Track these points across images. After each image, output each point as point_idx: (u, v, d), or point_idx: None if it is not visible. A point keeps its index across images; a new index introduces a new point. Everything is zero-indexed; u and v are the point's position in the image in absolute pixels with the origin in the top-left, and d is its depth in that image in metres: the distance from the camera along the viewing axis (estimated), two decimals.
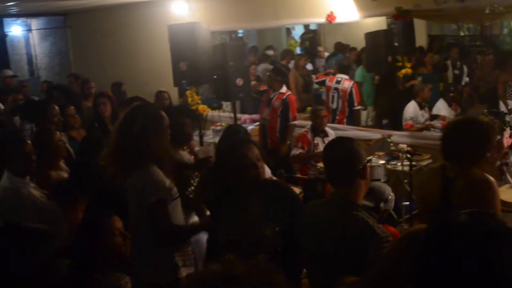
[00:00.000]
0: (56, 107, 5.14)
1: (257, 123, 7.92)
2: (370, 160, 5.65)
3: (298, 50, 12.94)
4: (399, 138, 6.81)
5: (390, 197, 6.25)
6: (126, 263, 2.64)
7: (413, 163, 5.99)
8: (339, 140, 2.84)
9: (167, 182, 3.14)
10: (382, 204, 6.07)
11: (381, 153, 6.67)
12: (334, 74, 8.31)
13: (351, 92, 7.87)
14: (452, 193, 2.88)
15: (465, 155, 2.91)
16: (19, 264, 2.10)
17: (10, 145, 3.74)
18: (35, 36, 13.18)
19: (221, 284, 1.38)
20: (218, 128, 7.73)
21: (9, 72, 10.00)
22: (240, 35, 12.47)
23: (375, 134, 7.10)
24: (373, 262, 2.22)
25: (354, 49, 10.01)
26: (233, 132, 4.48)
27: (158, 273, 3.13)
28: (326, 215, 2.62)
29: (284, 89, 7.31)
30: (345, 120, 7.93)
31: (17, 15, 12.27)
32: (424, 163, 6.33)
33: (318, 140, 6.52)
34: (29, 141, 3.83)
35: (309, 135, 6.53)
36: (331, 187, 2.79)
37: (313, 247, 2.64)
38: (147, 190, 3.05)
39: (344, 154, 2.60)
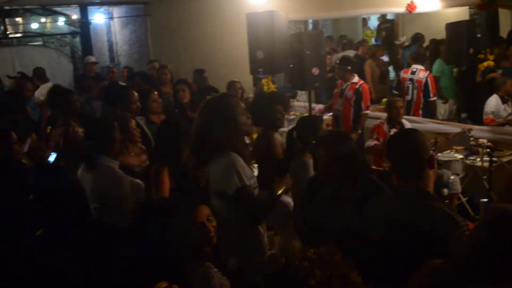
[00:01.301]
0: (135, 94, 5.30)
1: (330, 114, 7.89)
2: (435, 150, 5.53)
3: (373, 41, 12.76)
4: (479, 133, 6.57)
5: (450, 180, 6.08)
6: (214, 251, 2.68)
7: (494, 159, 5.80)
8: (403, 132, 2.82)
9: (249, 170, 3.22)
10: (445, 190, 5.95)
11: (459, 148, 6.49)
12: (409, 66, 8.16)
13: (426, 82, 7.66)
14: None
15: None
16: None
17: (109, 128, 3.97)
18: (116, 24, 13.63)
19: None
20: (292, 117, 7.74)
21: (92, 59, 10.38)
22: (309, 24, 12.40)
23: (454, 128, 6.90)
24: (455, 249, 2.19)
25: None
26: (312, 123, 4.47)
27: (245, 258, 3.18)
28: (400, 207, 2.59)
29: (356, 78, 7.25)
30: (420, 112, 7.75)
31: (100, 4, 12.75)
32: (506, 159, 6.11)
33: (394, 132, 6.41)
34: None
35: (385, 127, 6.43)
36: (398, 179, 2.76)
37: (386, 239, 2.60)
38: (232, 177, 3.12)
39: (411, 145, 2.58)
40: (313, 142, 3.90)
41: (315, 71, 6.38)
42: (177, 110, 6.07)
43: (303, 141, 4.26)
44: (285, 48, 6.52)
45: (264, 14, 6.53)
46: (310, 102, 7.06)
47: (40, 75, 8.88)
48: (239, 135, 3.27)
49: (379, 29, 12.52)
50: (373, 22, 13.29)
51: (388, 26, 12.05)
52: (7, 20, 13.75)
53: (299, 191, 3.78)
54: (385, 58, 10.48)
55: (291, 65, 6.57)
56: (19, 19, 16.00)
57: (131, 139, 4.51)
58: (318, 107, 8.38)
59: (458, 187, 6.15)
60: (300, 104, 8.47)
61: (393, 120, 6.44)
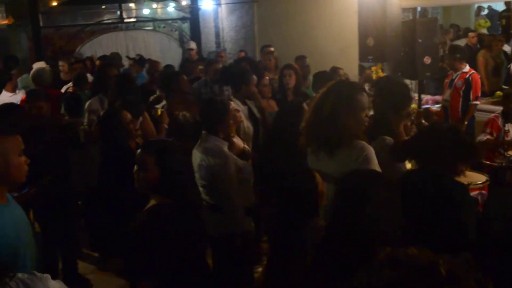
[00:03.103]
0: (255, 78, 5.40)
1: (439, 105, 7.64)
2: None
3: (485, 31, 12.14)
4: None
5: None
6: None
7: None
8: None
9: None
10: None
11: None
12: None
13: None
14: None
15: None
16: None
17: (221, 109, 4.11)
18: (223, 11, 13.92)
19: None
20: None
21: (192, 45, 10.69)
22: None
23: None
24: None
25: None
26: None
27: None
28: None
29: (467, 68, 7.01)
30: None
31: None
32: None
33: (509, 126, 6.09)
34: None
35: (500, 121, 6.11)
36: None
37: (505, 235, 2.51)
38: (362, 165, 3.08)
39: None
40: None
41: (427, 60, 6.19)
42: (277, 96, 6.09)
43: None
44: (396, 36, 6.37)
45: (376, 0, 6.41)
46: (419, 93, 6.86)
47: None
48: (353, 124, 3.18)
49: (500, 17, 11.87)
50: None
51: (510, 15, 11.38)
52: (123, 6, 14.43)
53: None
54: (506, 48, 9.87)
55: (402, 54, 6.41)
56: (132, 5, 16.80)
57: (234, 120, 4.60)
58: (426, 98, 8.14)
59: None
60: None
61: (508, 114, 6.11)
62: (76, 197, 5.65)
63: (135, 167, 2.92)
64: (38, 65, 8.60)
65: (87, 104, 5.79)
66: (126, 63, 9.82)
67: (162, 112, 5.25)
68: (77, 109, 5.88)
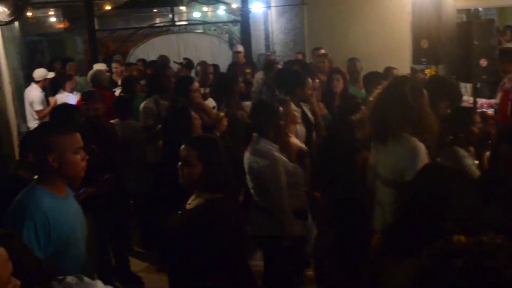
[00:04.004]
0: (310, 81, 5.39)
1: (493, 109, 7.42)
2: None
3: None
4: None
5: None
6: None
7: None
8: None
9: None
10: None
11: None
12: None
13: None
14: None
15: None
16: None
17: (271, 112, 4.13)
18: (273, 13, 13.96)
19: None
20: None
21: (239, 48, 10.74)
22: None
23: None
24: None
25: None
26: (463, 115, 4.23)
27: None
28: None
29: None
30: None
31: None
32: None
33: None
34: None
35: None
36: None
37: None
38: (416, 164, 3.08)
39: None
40: (461, 135, 3.76)
41: (483, 62, 6.01)
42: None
43: (453, 133, 4.05)
44: (451, 38, 6.22)
45: (431, 1, 6.28)
46: (474, 96, 6.68)
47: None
48: (420, 116, 3.26)
49: None
50: None
51: None
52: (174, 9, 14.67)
53: None
54: None
55: (457, 56, 6.26)
56: (183, 8, 17.06)
57: (292, 121, 4.60)
58: (481, 101, 7.92)
59: None
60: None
61: None
62: (128, 195, 5.77)
63: (179, 163, 2.96)
64: (98, 66, 8.87)
65: (142, 105, 5.84)
66: (172, 66, 9.95)
67: (223, 115, 5.27)
68: (125, 111, 5.96)
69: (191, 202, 2.98)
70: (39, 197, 2.62)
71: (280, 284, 4.06)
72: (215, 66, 8.96)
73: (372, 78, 5.86)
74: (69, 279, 2.16)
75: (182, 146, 2.98)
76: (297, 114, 4.71)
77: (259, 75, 8.51)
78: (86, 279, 2.22)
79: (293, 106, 4.66)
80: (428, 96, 3.36)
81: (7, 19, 6.44)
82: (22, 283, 1.81)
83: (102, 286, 2.24)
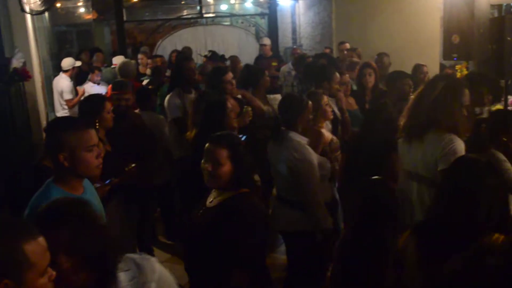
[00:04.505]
0: (338, 74, 5.36)
1: None
2: None
3: None
4: None
5: None
6: None
7: None
8: None
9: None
10: None
11: None
12: None
13: None
14: None
15: None
16: None
17: (299, 105, 4.12)
18: (300, 7, 13.88)
19: None
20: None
21: (266, 41, 10.66)
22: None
23: None
24: None
25: None
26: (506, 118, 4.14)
27: None
28: None
29: None
30: None
31: None
32: None
33: None
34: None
35: None
36: None
37: None
38: (450, 157, 3.08)
39: None
40: (504, 139, 3.68)
41: None
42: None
43: (492, 135, 3.96)
44: (483, 33, 6.10)
45: None
46: (506, 93, 6.54)
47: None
48: (455, 115, 3.29)
49: None
50: None
51: None
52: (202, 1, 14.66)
53: None
54: None
55: (489, 52, 6.13)
56: (210, 0, 17.05)
57: (323, 116, 4.55)
58: None
59: None
60: None
61: None
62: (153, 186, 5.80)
63: (203, 162, 2.91)
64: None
65: (166, 99, 5.78)
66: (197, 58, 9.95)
67: (249, 109, 5.24)
68: (147, 102, 5.91)
69: (213, 200, 2.96)
70: (53, 198, 2.48)
71: (307, 278, 4.05)
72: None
73: (397, 77, 5.78)
74: (131, 255, 2.16)
75: (208, 145, 2.92)
76: (329, 108, 4.62)
77: (285, 69, 8.48)
78: (146, 255, 2.22)
79: (325, 100, 4.56)
80: (470, 94, 3.35)
81: (39, 9, 6.52)
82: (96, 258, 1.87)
83: (157, 264, 2.24)
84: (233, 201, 2.87)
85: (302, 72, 6.83)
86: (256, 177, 4.14)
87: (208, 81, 5.63)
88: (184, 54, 9.52)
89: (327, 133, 4.45)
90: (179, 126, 5.44)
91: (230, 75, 5.44)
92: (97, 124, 4.16)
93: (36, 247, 1.65)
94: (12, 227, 1.68)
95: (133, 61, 7.97)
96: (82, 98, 8.39)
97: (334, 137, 4.47)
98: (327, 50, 10.24)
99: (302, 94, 4.88)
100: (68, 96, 8.46)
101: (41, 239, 1.70)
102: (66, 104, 8.44)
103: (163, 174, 5.59)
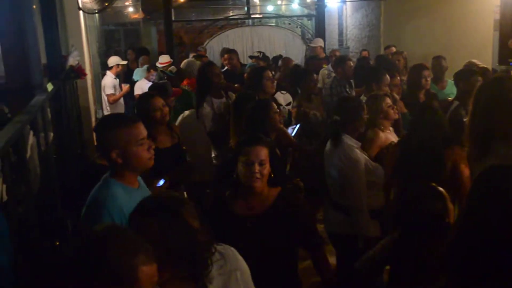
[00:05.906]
0: (388, 77, 5.27)
1: None
2: None
3: None
4: None
5: None
6: None
7: None
8: None
9: None
10: None
11: None
12: None
13: None
14: None
15: None
16: None
17: (355, 108, 4.07)
18: (348, 8, 13.76)
19: None
20: None
21: (319, 42, 10.53)
22: None
23: None
24: None
25: None
26: None
27: None
28: None
29: None
30: None
31: None
32: None
33: None
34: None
35: None
36: None
37: None
38: None
39: None
40: None
41: None
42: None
43: None
44: None
45: None
46: None
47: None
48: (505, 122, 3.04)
49: None
50: None
51: None
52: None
53: None
54: None
55: None
56: (257, 1, 17.11)
57: (386, 118, 4.41)
58: None
59: None
60: None
61: None
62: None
63: (246, 165, 2.87)
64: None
65: (200, 111, 5.36)
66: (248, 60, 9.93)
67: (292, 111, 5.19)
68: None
69: (255, 206, 2.92)
70: (114, 192, 2.57)
71: (351, 283, 3.99)
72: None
73: (463, 76, 5.58)
74: (218, 247, 2.18)
75: (250, 147, 2.89)
76: (393, 110, 4.49)
77: (324, 71, 8.37)
78: (227, 246, 2.26)
79: (388, 102, 4.44)
80: None
81: (97, 8, 6.65)
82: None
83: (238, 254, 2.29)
84: (285, 197, 2.93)
85: (340, 73, 6.73)
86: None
87: (247, 81, 5.58)
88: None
89: (387, 136, 4.35)
90: (213, 140, 5.28)
91: (269, 72, 5.35)
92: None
93: (150, 271, 1.68)
94: (135, 245, 1.70)
95: (198, 62, 8.01)
96: (123, 94, 8.70)
97: (394, 141, 4.36)
98: (365, 53, 10.09)
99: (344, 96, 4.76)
100: (108, 90, 8.63)
101: (155, 266, 1.72)
102: (107, 99, 8.61)
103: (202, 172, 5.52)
